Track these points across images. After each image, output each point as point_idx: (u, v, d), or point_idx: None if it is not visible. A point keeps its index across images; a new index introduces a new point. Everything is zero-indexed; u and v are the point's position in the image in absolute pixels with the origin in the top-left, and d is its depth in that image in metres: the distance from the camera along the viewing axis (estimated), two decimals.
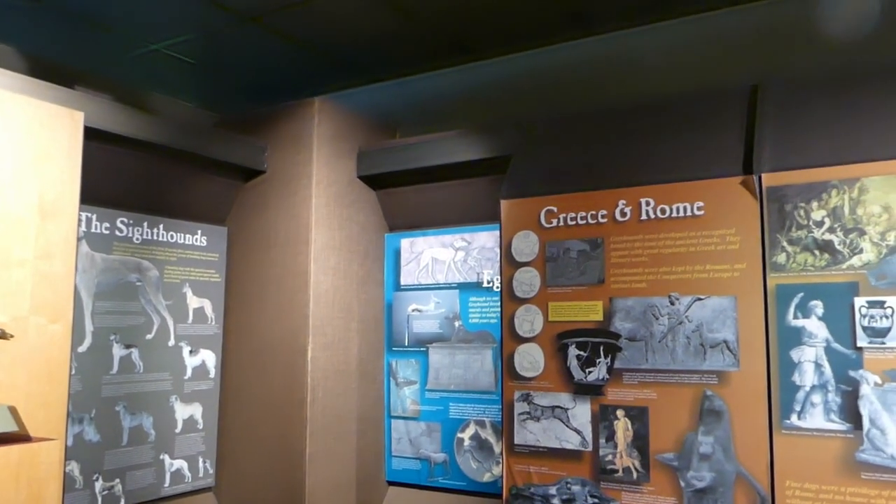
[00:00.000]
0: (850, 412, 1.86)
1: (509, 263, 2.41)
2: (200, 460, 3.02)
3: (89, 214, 2.64)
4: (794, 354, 1.94)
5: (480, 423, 2.97)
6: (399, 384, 3.19)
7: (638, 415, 2.15)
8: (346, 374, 3.04)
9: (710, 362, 2.05)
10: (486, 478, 2.94)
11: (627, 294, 2.20)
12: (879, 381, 1.83)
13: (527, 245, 2.39)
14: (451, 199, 3.08)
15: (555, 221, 2.35)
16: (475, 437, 2.98)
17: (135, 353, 2.77)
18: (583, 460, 2.22)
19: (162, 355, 2.88)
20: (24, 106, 1.97)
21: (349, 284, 3.09)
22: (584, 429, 2.23)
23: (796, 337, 1.94)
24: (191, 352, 2.99)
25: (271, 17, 2.42)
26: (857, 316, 1.87)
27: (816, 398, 1.90)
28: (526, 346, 2.35)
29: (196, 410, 3.00)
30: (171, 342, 2.92)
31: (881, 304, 1.84)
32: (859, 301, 1.87)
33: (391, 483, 3.21)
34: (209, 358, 3.07)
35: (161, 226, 2.91)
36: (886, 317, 1.83)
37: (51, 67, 2.75)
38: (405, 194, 3.20)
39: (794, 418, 1.92)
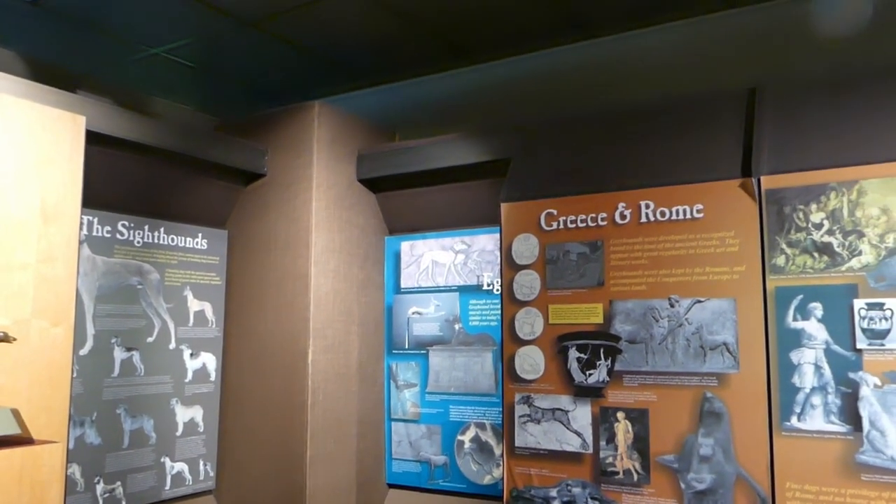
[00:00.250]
0: (850, 414, 1.87)
1: (509, 266, 2.42)
2: (201, 463, 3.02)
3: (91, 218, 2.65)
4: (794, 356, 1.94)
5: (481, 426, 2.97)
6: (399, 387, 3.19)
7: (638, 417, 2.15)
8: (347, 376, 3.05)
9: (710, 364, 2.06)
10: (487, 480, 2.94)
11: (627, 296, 2.20)
12: (879, 383, 1.84)
13: (527, 248, 2.40)
14: (451, 202, 3.09)
15: (555, 224, 2.36)
16: (475, 439, 2.98)
17: (136, 356, 2.77)
18: (583, 462, 2.23)
19: (163, 358, 2.88)
20: (26, 110, 1.98)
21: (349, 287, 3.10)
22: (584, 431, 2.24)
23: (796, 339, 1.95)
24: (191, 355, 2.99)
25: (271, 22, 2.43)
26: (857, 318, 1.87)
27: (816, 400, 1.91)
28: (526, 349, 2.36)
29: (197, 413, 3.00)
30: (172, 345, 2.92)
31: (880, 306, 1.85)
32: (858, 303, 1.87)
33: (391, 486, 3.21)
34: (210, 361, 3.07)
35: (162, 229, 2.92)
36: (886, 318, 1.84)
37: (52, 71, 2.76)
38: (405, 197, 3.21)
39: (793, 420, 1.93)
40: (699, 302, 2.09)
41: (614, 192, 2.27)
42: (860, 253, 1.89)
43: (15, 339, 1.88)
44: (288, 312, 2.95)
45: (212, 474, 3.07)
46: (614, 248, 2.24)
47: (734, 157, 2.13)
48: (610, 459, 2.18)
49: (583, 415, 2.24)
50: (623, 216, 2.24)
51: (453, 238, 3.12)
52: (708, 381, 2.06)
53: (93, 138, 2.27)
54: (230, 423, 3.08)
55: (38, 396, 1.92)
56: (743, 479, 1.98)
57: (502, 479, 2.38)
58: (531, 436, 2.32)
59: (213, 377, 3.08)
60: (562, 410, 2.28)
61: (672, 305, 2.13)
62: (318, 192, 2.97)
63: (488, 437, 2.95)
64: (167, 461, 2.88)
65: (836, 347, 1.90)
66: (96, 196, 2.53)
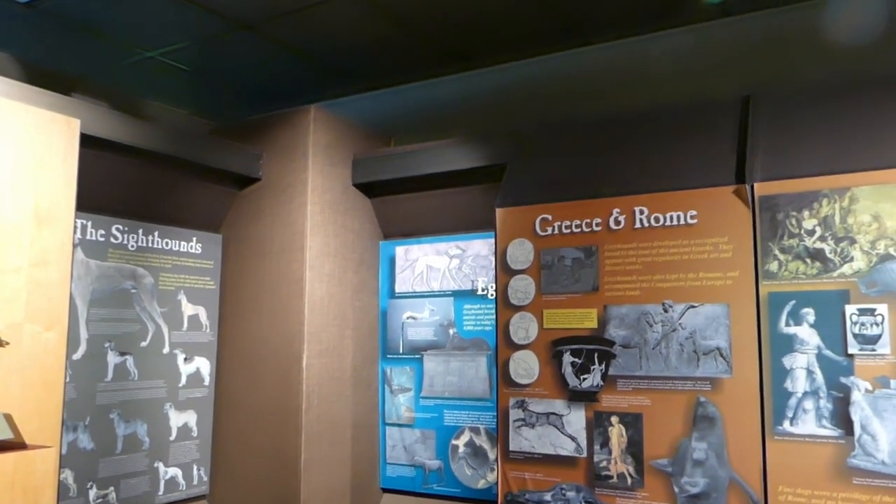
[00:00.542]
0: (842, 418, 1.88)
1: (504, 271, 2.43)
2: (195, 468, 3.01)
3: (84, 221, 2.64)
4: (787, 361, 1.96)
5: (475, 430, 2.98)
6: (394, 391, 3.19)
7: (632, 421, 2.16)
8: (341, 381, 3.04)
9: (704, 369, 2.07)
10: (481, 484, 2.94)
11: (621, 301, 2.22)
12: (870, 388, 1.86)
13: (522, 253, 2.41)
14: (446, 207, 3.10)
15: (549, 229, 2.37)
16: (470, 443, 2.98)
17: (129, 360, 2.76)
18: (578, 466, 2.24)
19: (156, 363, 2.87)
20: (20, 113, 1.97)
21: (344, 292, 3.10)
22: (578, 435, 2.24)
23: (788, 344, 1.96)
24: (185, 359, 2.99)
25: (267, 25, 2.43)
26: (848, 323, 1.89)
27: (808, 404, 1.92)
28: (521, 353, 2.36)
29: (190, 418, 2.99)
30: (166, 349, 2.91)
31: (871, 312, 1.87)
32: (850, 309, 1.89)
33: (385, 490, 3.21)
34: (204, 365, 3.06)
35: (156, 233, 2.91)
36: (877, 324, 1.86)
37: (47, 74, 2.75)
38: (400, 202, 3.21)
39: (786, 424, 1.94)
40: (693, 307, 2.11)
41: (609, 198, 2.28)
42: (852, 259, 1.91)
43: (7, 343, 1.87)
44: (282, 317, 2.95)
45: (205, 479, 3.06)
46: (609, 253, 2.25)
47: (728, 163, 2.15)
48: (604, 463, 2.19)
49: (577, 419, 2.25)
50: (617, 222, 2.26)
51: (448, 243, 3.12)
52: (701, 386, 2.07)
53: (87, 141, 2.26)
54: (224, 427, 3.08)
55: (31, 401, 1.91)
56: (736, 482, 1.99)
57: (496, 483, 2.39)
58: (526, 440, 2.33)
59: (206, 381, 3.07)
60: (556, 415, 2.29)
61: (666, 310, 2.15)
62: (313, 197, 2.97)
63: (482, 441, 2.96)
64: (161, 466, 2.86)
65: (827, 352, 1.91)
66: (90, 199, 2.52)
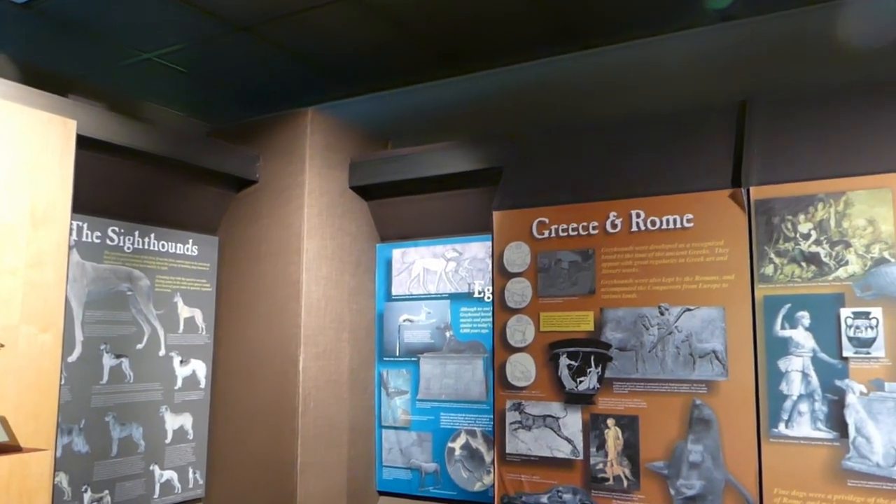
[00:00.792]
0: (837, 421, 1.89)
1: (501, 274, 2.43)
2: (190, 471, 3.00)
3: (80, 223, 2.63)
4: (782, 364, 1.97)
5: (471, 433, 2.98)
6: (390, 394, 3.19)
7: (628, 424, 2.17)
8: (338, 384, 3.04)
9: (700, 372, 2.08)
10: (477, 487, 2.94)
11: (618, 304, 2.22)
12: (865, 391, 1.87)
13: (519, 256, 2.41)
14: (443, 210, 3.10)
15: (546, 233, 2.37)
16: (466, 446, 2.99)
17: (125, 362, 2.75)
18: (574, 469, 2.24)
19: (152, 365, 2.86)
20: (16, 114, 1.96)
21: (341, 294, 3.10)
22: (575, 438, 2.25)
23: (783, 347, 1.97)
24: (181, 362, 2.98)
25: (264, 27, 2.43)
26: (843, 326, 1.90)
27: (803, 407, 1.93)
28: (517, 356, 2.37)
29: (186, 421, 2.98)
30: (162, 352, 2.90)
31: (866, 315, 1.88)
32: (845, 312, 1.90)
33: (382, 493, 3.20)
34: (200, 368, 3.06)
35: (152, 235, 2.90)
36: (871, 327, 1.87)
37: (44, 75, 2.74)
38: (397, 205, 3.22)
39: (781, 427, 1.95)
40: (689, 310, 2.12)
41: (605, 202, 2.29)
42: (847, 263, 1.92)
43: (3, 346, 1.86)
44: (279, 319, 2.95)
45: (201, 482, 3.05)
46: (605, 256, 2.26)
47: (724, 167, 2.16)
48: (600, 466, 2.19)
49: (573, 421, 2.26)
50: (614, 225, 2.26)
51: (445, 246, 3.13)
52: (697, 389, 2.08)
53: (83, 143, 2.26)
54: (220, 430, 3.07)
55: (26, 403, 1.91)
56: (732, 485, 2.00)
57: (493, 485, 2.39)
58: (522, 442, 2.33)
59: (202, 384, 3.06)
60: (552, 417, 2.29)
61: (662, 313, 2.15)
62: (310, 199, 2.97)
63: (479, 444, 2.96)
64: (156, 469, 2.85)
65: (822, 355, 1.92)
66: (86, 201, 2.51)
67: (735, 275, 2.06)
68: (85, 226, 2.65)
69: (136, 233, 2.84)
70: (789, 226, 2.00)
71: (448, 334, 3.07)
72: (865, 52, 2.34)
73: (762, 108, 2.22)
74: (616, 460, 2.17)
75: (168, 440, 2.91)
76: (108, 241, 2.73)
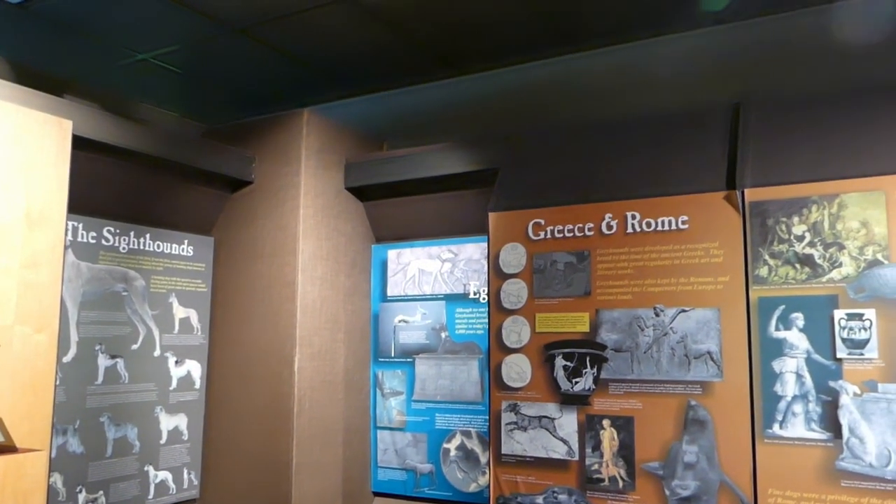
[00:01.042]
0: (831, 421, 1.90)
1: (497, 275, 2.44)
2: (185, 471, 2.99)
3: (76, 223, 2.62)
4: (776, 365, 1.98)
5: (466, 434, 2.98)
6: (385, 395, 3.19)
7: (624, 424, 2.18)
8: (333, 384, 3.04)
9: (695, 373, 2.09)
10: (472, 488, 2.95)
11: (613, 306, 2.23)
12: (858, 392, 1.88)
13: (514, 257, 2.42)
14: (438, 211, 3.10)
15: (542, 234, 2.38)
16: (461, 447, 2.99)
17: (120, 363, 2.75)
18: (569, 469, 2.25)
19: (147, 366, 2.86)
20: (12, 114, 1.96)
21: (336, 295, 3.10)
22: (570, 438, 2.26)
23: (778, 348, 1.98)
24: (176, 362, 2.97)
25: (259, 29, 2.43)
26: (837, 328, 1.91)
27: (798, 408, 1.94)
28: (513, 357, 2.37)
29: (181, 421, 2.98)
30: (157, 352, 2.90)
31: (860, 317, 1.89)
32: (839, 313, 1.92)
33: (377, 494, 3.20)
34: (195, 368, 3.05)
35: (148, 235, 2.90)
36: (865, 329, 1.89)
37: (39, 76, 2.74)
38: (392, 206, 3.22)
39: (776, 427, 1.96)
40: (684, 311, 2.13)
41: (601, 203, 2.30)
42: (840, 265, 1.94)
43: None
44: (274, 320, 2.94)
45: (196, 483, 3.04)
46: (601, 257, 2.27)
47: (719, 169, 2.17)
48: (596, 466, 2.20)
49: (569, 422, 2.26)
50: (609, 226, 2.27)
51: (440, 247, 3.13)
52: (692, 390, 2.09)
53: (79, 143, 2.26)
54: (215, 431, 3.06)
55: (21, 404, 1.90)
56: (726, 485, 2.01)
57: (488, 486, 2.39)
58: (518, 443, 2.34)
59: (197, 385, 3.06)
60: (548, 418, 2.30)
61: (657, 315, 2.16)
62: (305, 200, 2.97)
63: (474, 445, 2.96)
64: (151, 470, 2.85)
65: (816, 357, 1.94)
66: (82, 201, 2.51)
67: (730, 276, 2.08)
68: (80, 226, 2.65)
69: (132, 233, 2.84)
70: (783, 228, 2.01)
71: (443, 335, 3.08)
72: (859, 55, 2.36)
73: (756, 110, 2.24)
74: (611, 461, 2.18)
75: (163, 441, 2.90)
76: (103, 242, 2.72)
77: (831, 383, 1.91)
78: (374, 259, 3.31)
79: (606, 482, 2.18)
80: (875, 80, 2.15)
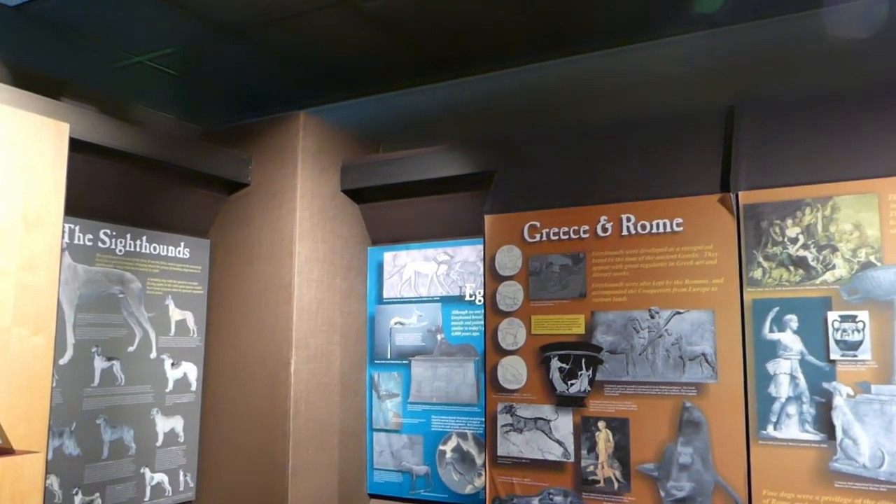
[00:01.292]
0: (824, 423, 1.92)
1: (493, 277, 2.45)
2: (181, 474, 2.99)
3: (72, 226, 2.63)
4: (770, 367, 1.99)
5: (462, 436, 2.99)
6: (381, 397, 3.19)
7: (619, 426, 2.19)
8: (329, 386, 3.04)
9: (689, 374, 2.10)
10: (468, 490, 2.95)
11: (609, 308, 2.24)
12: (852, 393, 1.89)
13: (510, 259, 2.43)
14: (434, 213, 3.11)
15: (538, 236, 2.39)
16: (457, 449, 3.00)
17: (116, 365, 2.75)
18: (565, 471, 2.25)
19: (143, 368, 2.86)
20: (9, 116, 1.96)
21: (332, 297, 3.10)
22: (566, 440, 2.26)
23: (772, 350, 2.00)
24: (173, 364, 2.97)
25: (256, 32, 2.44)
26: (830, 330, 1.93)
27: (791, 409, 1.96)
28: (509, 359, 2.38)
29: (177, 423, 2.98)
30: (153, 355, 2.90)
31: (853, 319, 1.91)
32: (832, 315, 1.93)
33: (373, 496, 3.20)
34: (191, 371, 3.05)
35: (144, 238, 2.90)
36: (858, 330, 1.90)
37: (36, 78, 2.74)
38: (388, 208, 3.23)
39: (770, 429, 1.98)
40: (679, 313, 2.14)
41: (596, 206, 2.31)
42: (834, 267, 1.95)
43: None
44: (270, 322, 2.95)
45: (192, 485, 3.04)
46: (596, 260, 2.28)
47: (713, 172, 2.18)
48: (591, 468, 2.21)
49: (564, 424, 2.27)
50: (605, 229, 2.28)
51: (436, 249, 3.14)
52: (687, 391, 2.10)
53: (76, 146, 2.26)
54: (211, 433, 3.06)
55: (18, 406, 1.90)
56: (721, 486, 2.02)
57: (484, 488, 2.40)
58: (513, 445, 2.34)
59: (194, 387, 3.06)
60: (544, 420, 2.31)
61: (652, 317, 2.17)
62: (301, 203, 2.98)
63: (470, 446, 2.97)
64: (147, 472, 2.85)
65: (810, 358, 1.95)
66: (78, 204, 2.51)
67: (724, 278, 2.09)
68: (77, 228, 2.65)
69: (128, 235, 2.84)
70: (777, 230, 2.03)
71: (439, 337, 3.08)
72: (852, 59, 2.37)
73: (750, 113, 2.25)
74: (607, 462, 2.19)
75: (159, 443, 2.90)
76: (99, 244, 2.73)
77: (825, 385, 1.93)
78: (371, 261, 3.32)
79: (602, 483, 2.19)
80: (868, 84, 2.17)
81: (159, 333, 2.93)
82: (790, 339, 1.98)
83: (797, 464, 1.93)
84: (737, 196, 2.09)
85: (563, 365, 2.29)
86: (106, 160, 2.61)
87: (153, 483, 2.87)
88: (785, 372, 1.97)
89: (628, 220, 2.25)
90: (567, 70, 2.72)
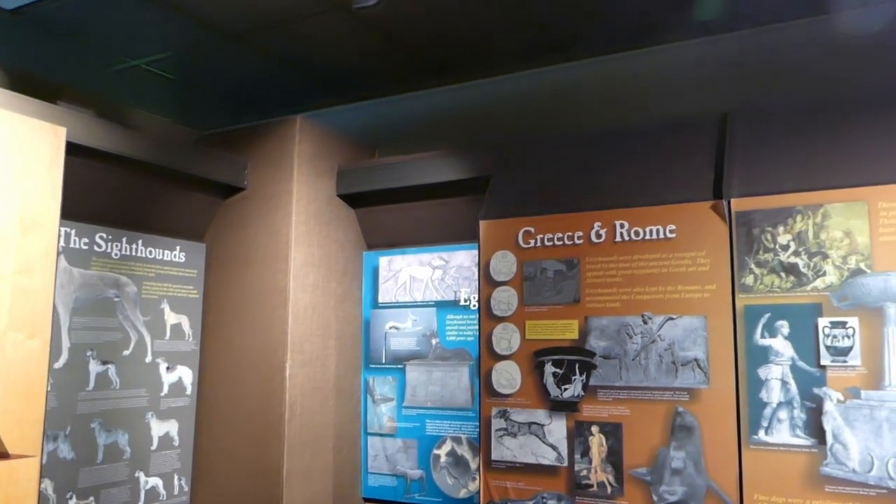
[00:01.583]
0: (815, 428, 1.94)
1: (487, 282, 2.46)
2: (176, 478, 2.99)
3: (68, 229, 2.63)
4: (762, 372, 2.01)
5: (457, 440, 3.00)
6: (376, 401, 3.20)
7: (612, 430, 2.20)
8: (324, 390, 3.05)
9: (682, 380, 2.12)
10: (462, 494, 2.96)
11: (602, 313, 2.26)
12: (842, 398, 1.91)
13: (505, 265, 2.44)
14: (430, 218, 3.13)
15: (532, 242, 2.41)
16: (451, 453, 3.00)
17: (111, 369, 2.75)
18: (558, 475, 2.27)
19: (139, 372, 2.86)
20: (6, 120, 1.97)
21: (327, 301, 3.11)
22: (559, 444, 2.28)
23: (763, 355, 2.02)
24: (168, 368, 2.97)
25: (253, 36, 2.45)
26: (821, 336, 1.95)
27: (783, 414, 1.98)
28: (503, 364, 2.40)
29: (172, 427, 2.98)
30: (149, 358, 2.90)
31: (843, 325, 1.93)
32: (823, 321, 1.95)
33: (367, 500, 3.21)
34: (186, 374, 3.05)
35: (140, 241, 2.90)
36: (848, 336, 1.92)
37: (33, 82, 2.74)
38: (384, 213, 3.24)
39: (761, 434, 1.99)
40: (671, 319, 2.16)
41: (590, 212, 2.33)
42: (824, 273, 1.97)
43: None
44: (266, 326, 2.95)
45: (186, 489, 3.04)
46: (590, 265, 2.30)
47: (706, 179, 2.21)
48: (584, 472, 2.22)
49: (558, 428, 2.29)
50: (599, 235, 2.30)
51: (431, 254, 3.15)
52: (679, 396, 2.12)
53: (72, 149, 2.26)
54: (206, 437, 3.06)
55: (13, 409, 1.90)
56: (713, 490, 2.04)
57: (478, 492, 2.41)
58: (507, 449, 2.36)
59: (189, 391, 3.06)
60: (538, 424, 2.32)
61: (645, 322, 2.19)
62: (297, 207, 2.99)
63: (464, 451, 2.98)
64: (141, 476, 2.84)
65: (801, 364, 1.97)
66: (75, 207, 2.51)
67: (716, 284, 2.11)
68: (73, 232, 2.65)
69: (124, 239, 2.84)
70: (769, 237, 2.05)
71: (434, 342, 3.09)
72: (843, 68, 2.40)
73: (743, 121, 2.28)
74: (600, 467, 2.21)
75: (154, 447, 2.90)
76: (95, 248, 2.73)
77: (815, 390, 1.95)
78: (366, 266, 3.33)
79: (595, 488, 2.20)
80: (859, 93, 2.20)
81: (154, 337, 2.93)
82: (781, 345, 2.00)
83: (788, 468, 1.95)
84: (729, 203, 2.11)
85: (557, 370, 2.30)
86: (102, 164, 2.61)
87: (148, 487, 2.87)
88: (776, 377, 1.99)
89: (622, 226, 2.27)
90: (561, 77, 2.74)
